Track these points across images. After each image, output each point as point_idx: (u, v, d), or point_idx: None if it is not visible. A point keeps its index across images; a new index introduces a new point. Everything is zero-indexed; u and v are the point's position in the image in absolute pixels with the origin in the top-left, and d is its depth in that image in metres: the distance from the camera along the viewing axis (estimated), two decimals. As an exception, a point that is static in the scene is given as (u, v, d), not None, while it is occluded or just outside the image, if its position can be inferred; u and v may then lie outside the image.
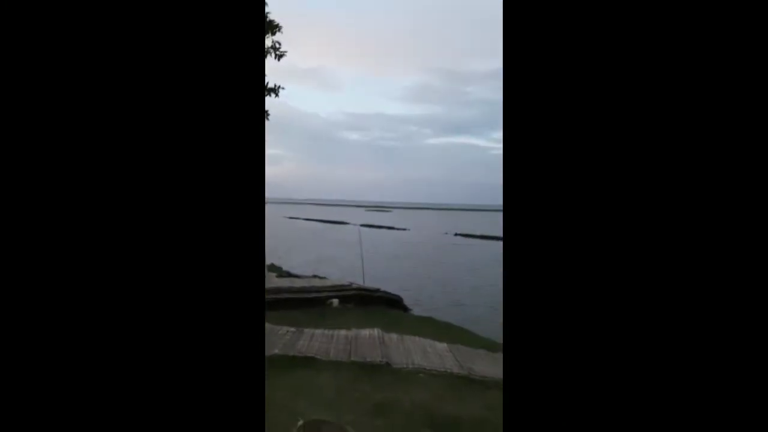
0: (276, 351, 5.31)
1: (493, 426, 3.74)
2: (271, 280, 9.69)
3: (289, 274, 12.84)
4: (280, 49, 5.77)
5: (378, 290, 9.90)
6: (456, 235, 40.88)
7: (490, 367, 5.39)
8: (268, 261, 12.72)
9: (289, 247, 24.81)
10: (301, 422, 2.91)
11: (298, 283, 9.69)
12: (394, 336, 6.40)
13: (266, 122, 5.39)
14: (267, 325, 5.82)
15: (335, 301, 8.78)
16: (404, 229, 45.83)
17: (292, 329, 6.41)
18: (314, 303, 8.66)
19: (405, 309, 10.01)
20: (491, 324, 9.11)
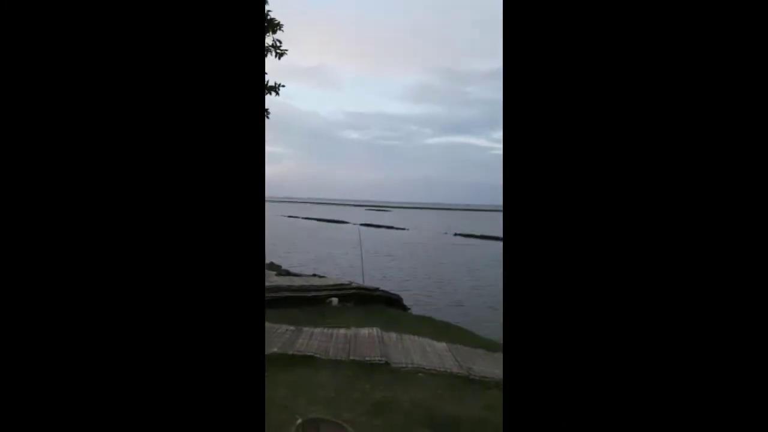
0: (275, 349, 5.30)
1: (492, 426, 3.74)
2: (271, 279, 9.67)
3: (288, 273, 12.80)
4: (281, 48, 5.78)
5: (377, 289, 9.88)
6: (455, 235, 40.81)
7: (489, 366, 5.39)
8: (267, 259, 12.72)
9: (289, 245, 24.82)
10: (299, 420, 2.92)
11: (297, 282, 9.67)
12: (393, 335, 6.40)
13: (266, 121, 5.39)
14: (266, 324, 5.82)
15: (334, 300, 8.77)
16: (404, 229, 45.77)
17: (292, 328, 6.40)
18: (313, 302, 8.64)
19: (404, 308, 10.00)
20: (491, 324, 9.13)
